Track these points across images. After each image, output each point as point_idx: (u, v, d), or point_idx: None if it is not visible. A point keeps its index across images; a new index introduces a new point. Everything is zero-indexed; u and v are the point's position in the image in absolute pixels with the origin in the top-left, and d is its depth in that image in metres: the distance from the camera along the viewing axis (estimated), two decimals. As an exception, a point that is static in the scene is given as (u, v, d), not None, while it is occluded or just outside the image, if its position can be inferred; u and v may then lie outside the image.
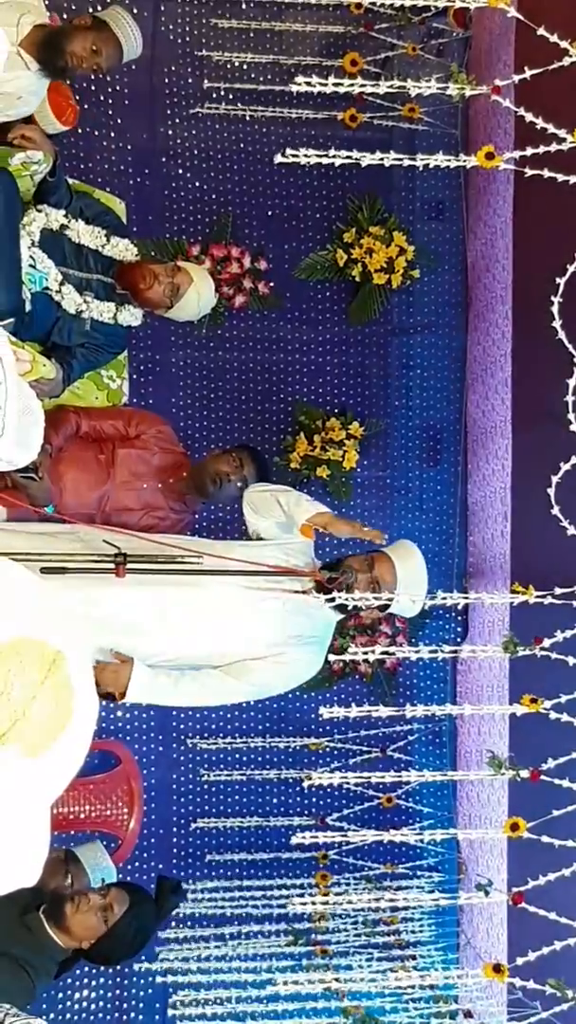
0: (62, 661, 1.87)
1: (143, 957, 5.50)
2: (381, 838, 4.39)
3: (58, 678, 1.86)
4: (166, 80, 6.05)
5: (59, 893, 4.51)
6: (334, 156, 3.54)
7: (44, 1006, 5.56)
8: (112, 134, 5.95)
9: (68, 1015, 5.66)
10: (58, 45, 4.71)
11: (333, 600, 4.05)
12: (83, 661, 1.94)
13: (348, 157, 3.54)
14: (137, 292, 5.03)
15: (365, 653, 4.03)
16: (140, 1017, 5.74)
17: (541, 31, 3.58)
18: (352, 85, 3.64)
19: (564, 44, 3.57)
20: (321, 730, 6.03)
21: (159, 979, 5.47)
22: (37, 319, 4.77)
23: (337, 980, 5.05)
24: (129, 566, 4.13)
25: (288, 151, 3.48)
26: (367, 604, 4.09)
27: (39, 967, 4.31)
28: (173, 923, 5.61)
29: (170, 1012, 5.30)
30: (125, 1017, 5.75)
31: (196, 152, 6.11)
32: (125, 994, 5.75)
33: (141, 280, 4.99)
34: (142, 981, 5.67)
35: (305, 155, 3.49)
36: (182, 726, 5.99)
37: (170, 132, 6.08)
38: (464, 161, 3.69)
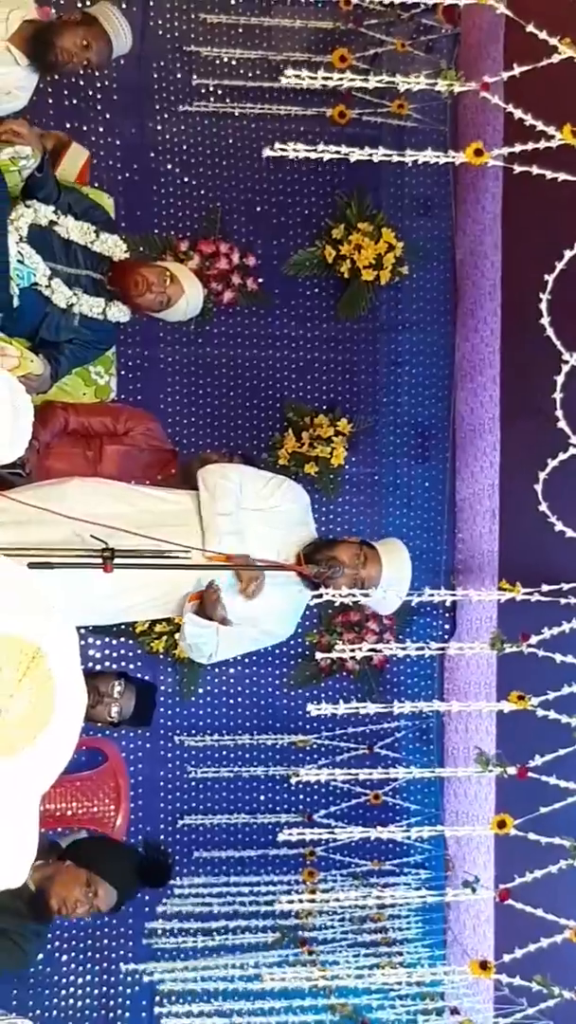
0: (41, 657, 1.85)
1: (130, 959, 5.52)
2: (368, 835, 4.37)
3: (38, 674, 1.84)
4: (155, 76, 6.04)
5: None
6: (322, 151, 3.53)
7: (31, 1003, 5.56)
8: (101, 129, 5.95)
9: (55, 1012, 5.66)
10: (48, 40, 4.72)
11: (321, 596, 4.03)
12: (66, 654, 1.91)
13: (337, 152, 3.52)
14: (128, 297, 5.01)
15: (352, 650, 4.01)
16: (126, 1014, 5.73)
17: (530, 27, 3.56)
18: (341, 79, 3.62)
19: (553, 41, 3.55)
20: (308, 727, 6.03)
21: (146, 977, 5.47)
22: (25, 315, 4.75)
23: (324, 977, 5.05)
24: (117, 561, 4.10)
25: (276, 145, 3.46)
26: (352, 600, 4.07)
27: (28, 933, 4.35)
28: (160, 919, 5.61)
29: (156, 1009, 5.30)
30: (112, 1014, 5.74)
31: (185, 148, 6.11)
32: (112, 991, 5.75)
33: (134, 287, 4.96)
34: (129, 978, 5.67)
35: (294, 149, 3.47)
36: (169, 723, 5.98)
37: (159, 128, 6.07)
38: (453, 158, 3.66)
